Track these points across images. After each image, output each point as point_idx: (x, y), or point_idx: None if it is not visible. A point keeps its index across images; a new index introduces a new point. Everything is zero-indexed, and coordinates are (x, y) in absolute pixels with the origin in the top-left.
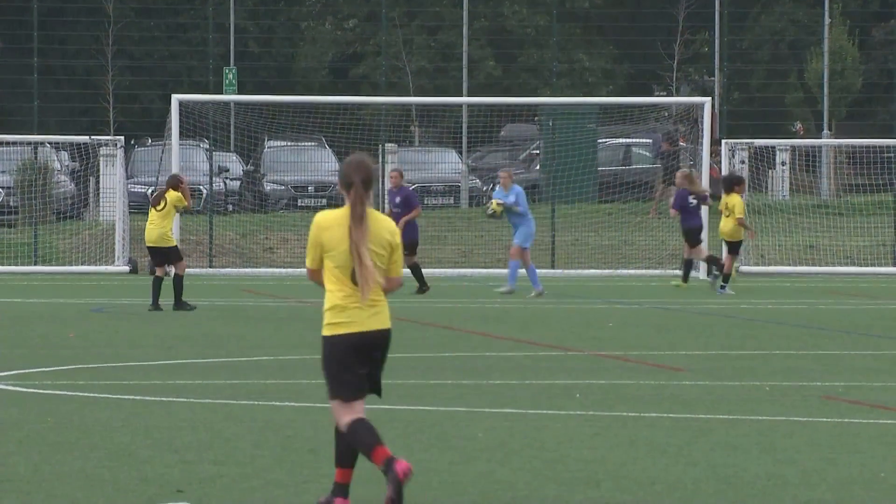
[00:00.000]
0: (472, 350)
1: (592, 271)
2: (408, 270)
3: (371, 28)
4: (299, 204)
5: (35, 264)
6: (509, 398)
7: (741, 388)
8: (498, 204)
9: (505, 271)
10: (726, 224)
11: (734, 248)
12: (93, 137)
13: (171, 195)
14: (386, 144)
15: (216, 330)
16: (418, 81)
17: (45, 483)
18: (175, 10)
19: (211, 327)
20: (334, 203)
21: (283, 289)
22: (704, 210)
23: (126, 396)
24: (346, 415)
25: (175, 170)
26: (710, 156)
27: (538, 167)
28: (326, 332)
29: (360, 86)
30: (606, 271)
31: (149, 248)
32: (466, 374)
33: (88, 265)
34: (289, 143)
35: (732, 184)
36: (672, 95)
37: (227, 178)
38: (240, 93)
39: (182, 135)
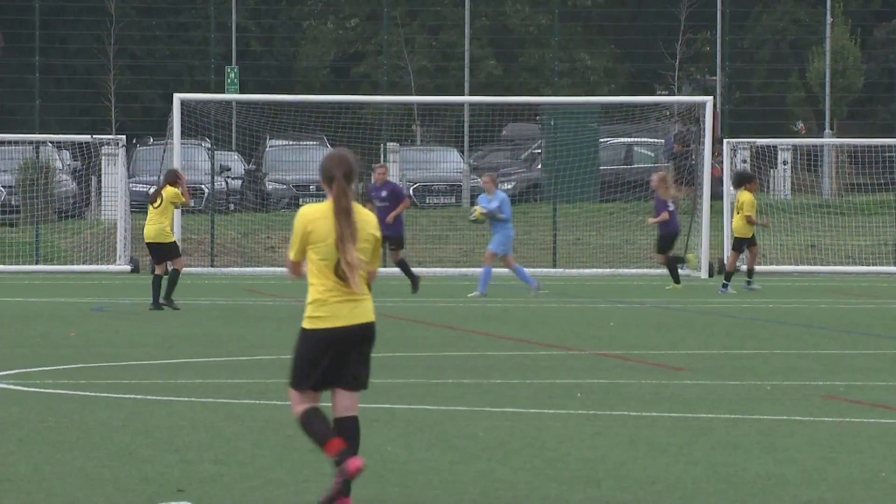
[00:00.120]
0: (472, 349)
1: (594, 270)
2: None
3: (372, 27)
4: (301, 203)
5: (36, 263)
6: (510, 397)
7: (742, 387)
8: (481, 212)
9: (505, 271)
10: (737, 221)
11: (739, 244)
12: (94, 136)
13: (168, 191)
14: (387, 143)
15: (217, 329)
16: (420, 81)
17: (46, 482)
18: (176, 10)
19: (212, 326)
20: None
21: (285, 288)
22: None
23: (127, 396)
24: (301, 403)
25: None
26: (712, 155)
27: (540, 166)
28: (306, 324)
29: (361, 85)
30: (608, 270)
31: (148, 244)
32: (467, 373)
33: (90, 264)
34: (290, 143)
35: (743, 181)
36: (674, 95)
37: (228, 177)
38: (241, 92)
39: (184, 134)
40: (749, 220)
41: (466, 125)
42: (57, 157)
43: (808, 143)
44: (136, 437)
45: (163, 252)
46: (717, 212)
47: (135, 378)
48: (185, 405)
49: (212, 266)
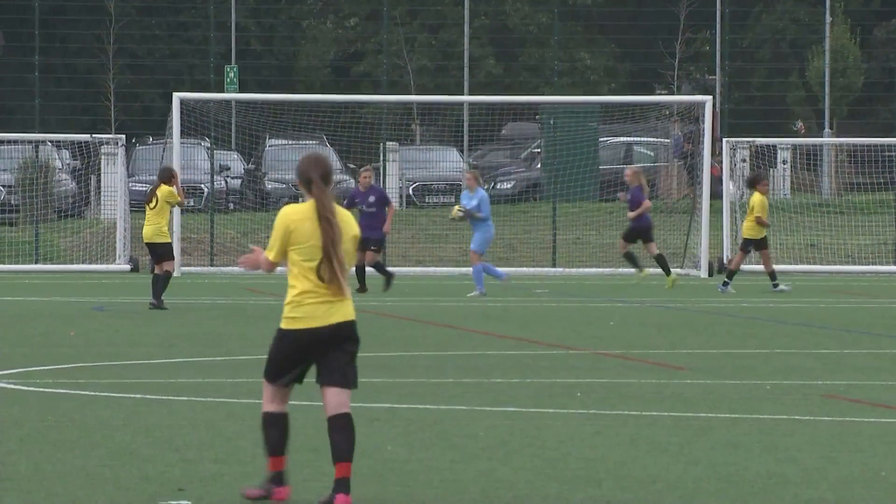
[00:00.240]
0: (473, 349)
1: (594, 270)
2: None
3: (372, 26)
4: (300, 202)
5: (36, 262)
6: (510, 397)
7: (742, 386)
8: (458, 210)
9: (505, 270)
10: (747, 222)
11: (746, 245)
12: (94, 136)
13: (162, 191)
14: (387, 143)
15: (217, 328)
16: (419, 80)
17: (46, 482)
18: (176, 9)
19: (212, 326)
20: (336, 202)
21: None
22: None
23: (127, 395)
24: (270, 402)
25: (176, 168)
26: (712, 154)
27: (539, 166)
28: (283, 324)
29: (361, 84)
30: (608, 270)
31: (146, 245)
32: (467, 372)
33: (89, 263)
34: (290, 142)
35: (754, 182)
36: (673, 94)
37: (228, 176)
38: (241, 91)
39: (183, 133)
40: (759, 222)
41: (466, 124)
42: (56, 157)
43: (808, 143)
44: (137, 436)
45: (161, 252)
46: (716, 211)
47: (135, 377)
48: (185, 404)
49: (211, 265)
